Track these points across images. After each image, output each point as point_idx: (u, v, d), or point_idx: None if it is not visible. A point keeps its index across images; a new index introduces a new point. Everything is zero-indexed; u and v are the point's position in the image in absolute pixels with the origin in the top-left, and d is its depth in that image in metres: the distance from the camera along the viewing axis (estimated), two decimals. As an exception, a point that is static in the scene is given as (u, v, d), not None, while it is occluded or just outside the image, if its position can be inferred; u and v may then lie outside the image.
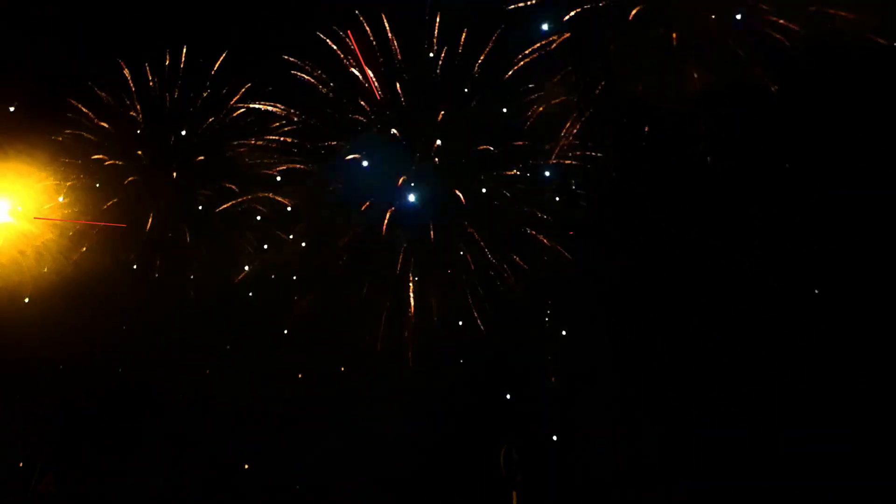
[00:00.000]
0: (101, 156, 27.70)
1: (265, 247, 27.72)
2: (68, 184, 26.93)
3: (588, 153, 20.14)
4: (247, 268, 27.46)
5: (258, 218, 27.90)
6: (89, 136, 27.45)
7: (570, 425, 21.80)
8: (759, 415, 16.95)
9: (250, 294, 27.40)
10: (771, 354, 17.28)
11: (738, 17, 19.73)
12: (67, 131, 27.07)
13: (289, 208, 27.62)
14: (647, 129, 19.88)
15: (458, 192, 26.39)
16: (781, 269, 17.41)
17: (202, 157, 28.37)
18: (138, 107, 27.84)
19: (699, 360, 18.33)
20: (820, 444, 15.42)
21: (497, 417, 23.26)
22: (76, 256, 26.18)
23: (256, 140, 27.58)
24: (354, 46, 26.47)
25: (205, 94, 27.67)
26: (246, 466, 25.17)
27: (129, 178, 28.03)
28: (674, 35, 20.40)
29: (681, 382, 18.25)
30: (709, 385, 17.98)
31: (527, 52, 24.62)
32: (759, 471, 16.48)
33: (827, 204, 16.85)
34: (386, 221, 26.72)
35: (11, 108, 26.16)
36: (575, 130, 21.96)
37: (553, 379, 22.75)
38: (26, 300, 25.41)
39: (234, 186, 27.63)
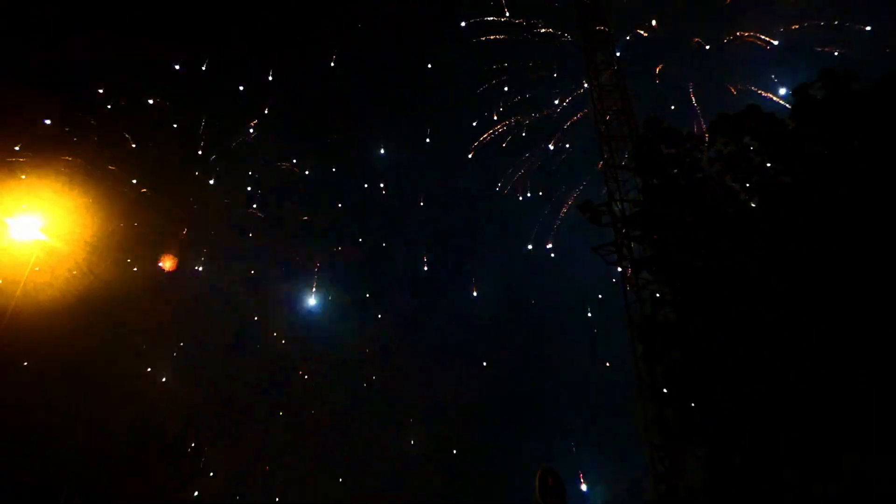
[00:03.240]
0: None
1: None
2: (94, 202, 27.07)
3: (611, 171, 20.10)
4: None
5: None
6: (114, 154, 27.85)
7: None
8: (759, 415, 17.04)
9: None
10: (773, 355, 17.24)
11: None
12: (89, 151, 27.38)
13: None
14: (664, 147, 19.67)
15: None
16: (783, 269, 17.20)
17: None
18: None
19: (702, 361, 18.41)
20: (820, 444, 15.52)
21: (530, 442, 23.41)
22: (107, 275, 26.38)
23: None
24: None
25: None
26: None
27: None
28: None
29: (690, 385, 18.38)
30: (711, 386, 18.08)
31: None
32: (760, 471, 16.68)
33: (828, 204, 16.49)
34: None
35: (47, 122, 26.14)
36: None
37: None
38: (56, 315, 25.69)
39: None
